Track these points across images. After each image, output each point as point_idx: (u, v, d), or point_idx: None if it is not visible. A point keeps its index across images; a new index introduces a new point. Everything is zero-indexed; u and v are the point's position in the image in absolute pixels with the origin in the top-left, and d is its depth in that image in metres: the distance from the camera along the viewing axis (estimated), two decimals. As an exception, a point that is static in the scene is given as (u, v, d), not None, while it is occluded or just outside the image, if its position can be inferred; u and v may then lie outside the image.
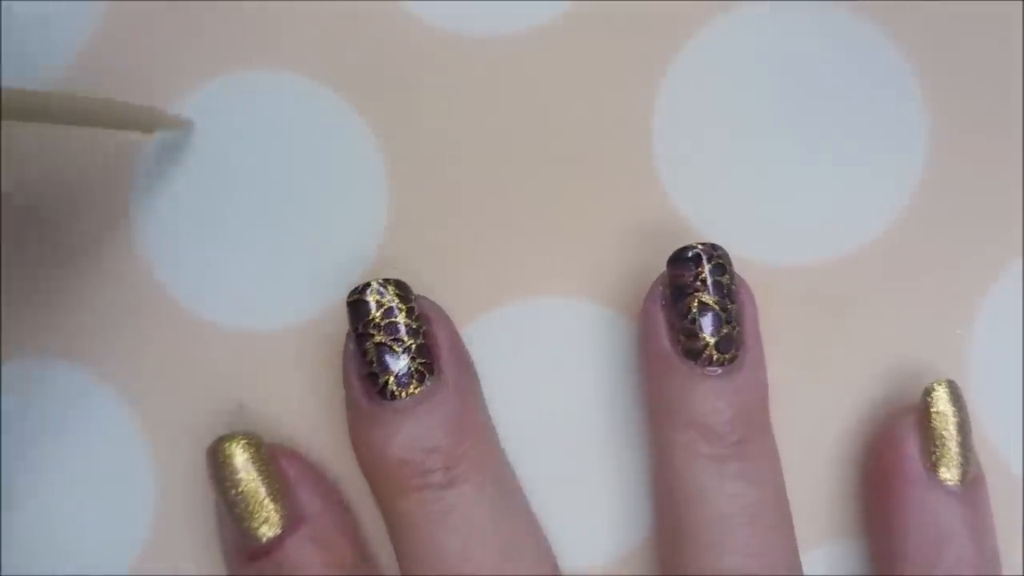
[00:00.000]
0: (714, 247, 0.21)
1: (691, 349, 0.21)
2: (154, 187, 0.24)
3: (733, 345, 0.21)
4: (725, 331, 0.21)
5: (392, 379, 0.21)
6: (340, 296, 0.24)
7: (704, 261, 0.21)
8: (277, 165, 0.24)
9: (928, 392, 0.22)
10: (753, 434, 0.21)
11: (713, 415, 0.21)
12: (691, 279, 0.21)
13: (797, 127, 0.25)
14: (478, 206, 0.24)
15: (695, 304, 0.21)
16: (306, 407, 0.24)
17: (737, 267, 0.23)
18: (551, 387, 0.24)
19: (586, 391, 0.24)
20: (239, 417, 0.24)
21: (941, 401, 0.22)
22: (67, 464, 0.24)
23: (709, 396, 0.21)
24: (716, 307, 0.21)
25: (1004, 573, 0.23)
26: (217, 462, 0.22)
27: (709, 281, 0.21)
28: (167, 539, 0.24)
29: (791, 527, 0.22)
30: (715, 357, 0.21)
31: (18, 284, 0.24)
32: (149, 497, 0.24)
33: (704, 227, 0.24)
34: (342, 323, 0.24)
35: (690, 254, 0.21)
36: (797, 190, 0.24)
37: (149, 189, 0.24)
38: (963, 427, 0.22)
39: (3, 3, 0.25)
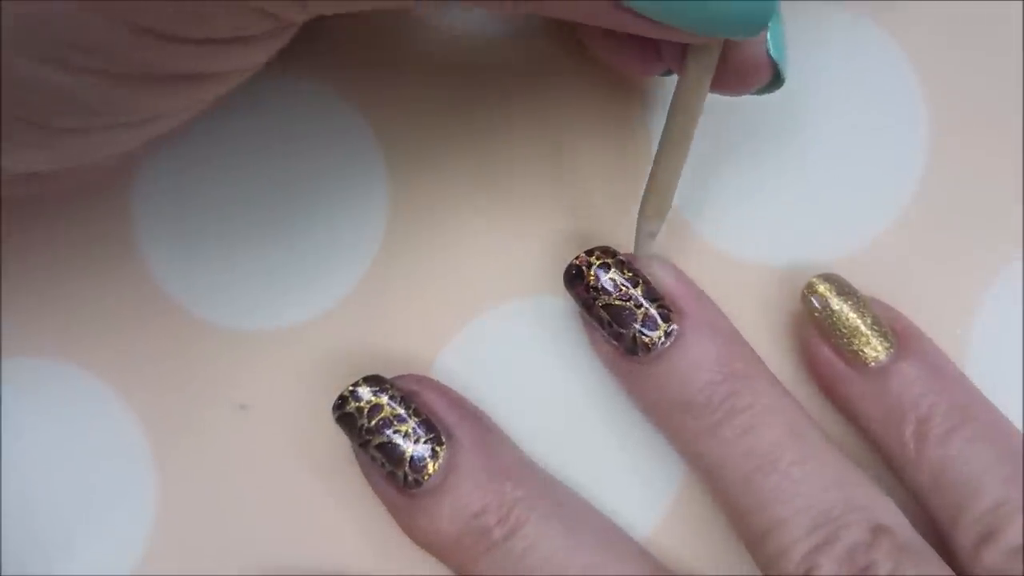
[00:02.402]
0: (590, 252, 0.22)
1: (628, 348, 0.21)
2: (154, 187, 0.24)
3: (661, 319, 0.21)
4: (641, 314, 0.21)
5: (407, 468, 0.21)
6: (340, 296, 0.24)
7: (585, 272, 0.22)
8: (277, 164, 0.24)
9: (803, 297, 0.22)
10: (739, 383, 0.21)
11: (686, 390, 0.21)
12: (584, 293, 0.22)
13: (797, 127, 0.25)
14: (478, 206, 0.24)
15: (600, 311, 0.21)
16: (306, 407, 0.24)
17: (736, 269, 0.23)
18: (550, 386, 0.24)
19: (585, 390, 0.24)
20: (239, 416, 0.24)
21: (818, 299, 0.22)
22: (67, 464, 0.24)
23: (671, 376, 0.21)
24: (618, 303, 0.21)
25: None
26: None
27: (599, 286, 0.21)
28: (167, 539, 0.24)
29: (821, 447, 0.21)
30: (649, 341, 0.21)
31: (18, 284, 0.24)
32: (149, 497, 0.24)
33: (704, 227, 0.24)
34: (341, 324, 0.24)
35: (572, 273, 0.22)
36: (797, 190, 0.24)
37: (149, 189, 0.24)
38: (853, 303, 0.22)
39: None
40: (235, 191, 0.24)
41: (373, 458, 0.21)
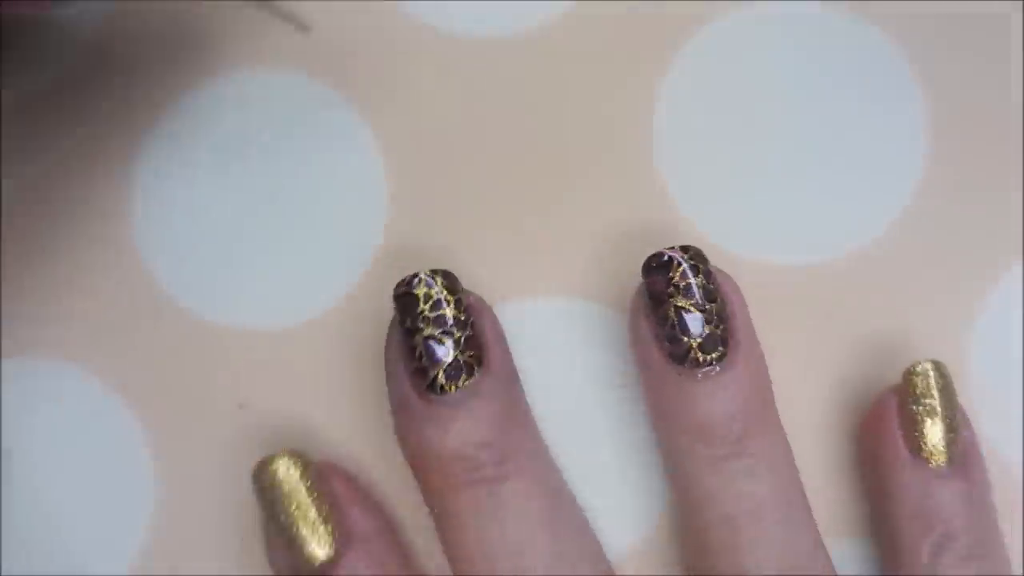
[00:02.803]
0: (685, 249, 0.21)
1: (676, 354, 0.21)
2: (154, 187, 0.24)
3: (719, 344, 0.21)
4: (707, 331, 0.21)
5: (442, 372, 0.21)
6: (340, 296, 0.24)
7: (675, 266, 0.21)
8: (277, 165, 0.24)
9: (910, 372, 0.22)
10: (755, 429, 0.21)
11: (709, 416, 0.21)
12: (664, 285, 0.21)
13: (797, 127, 0.25)
14: (477, 206, 0.24)
15: (671, 310, 0.21)
16: (306, 407, 0.24)
17: (737, 267, 0.23)
18: (550, 387, 0.24)
19: (585, 391, 0.24)
20: (239, 416, 0.24)
21: (922, 381, 0.22)
22: (67, 464, 0.24)
23: (702, 398, 0.21)
24: (693, 310, 0.21)
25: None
26: (264, 483, 0.21)
27: (682, 285, 0.21)
28: (167, 539, 0.24)
29: (806, 518, 0.22)
30: (701, 359, 0.21)
31: (18, 284, 0.24)
32: (149, 497, 0.24)
33: (704, 227, 0.24)
34: (341, 323, 0.24)
35: (660, 261, 0.21)
36: (797, 190, 0.24)
37: (149, 189, 0.24)
38: (948, 405, 0.22)
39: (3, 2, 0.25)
40: (234, 191, 0.24)
41: (413, 347, 0.21)
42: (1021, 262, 0.24)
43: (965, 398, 0.24)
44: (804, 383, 0.24)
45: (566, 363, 0.24)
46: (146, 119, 0.25)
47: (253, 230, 0.24)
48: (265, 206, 0.24)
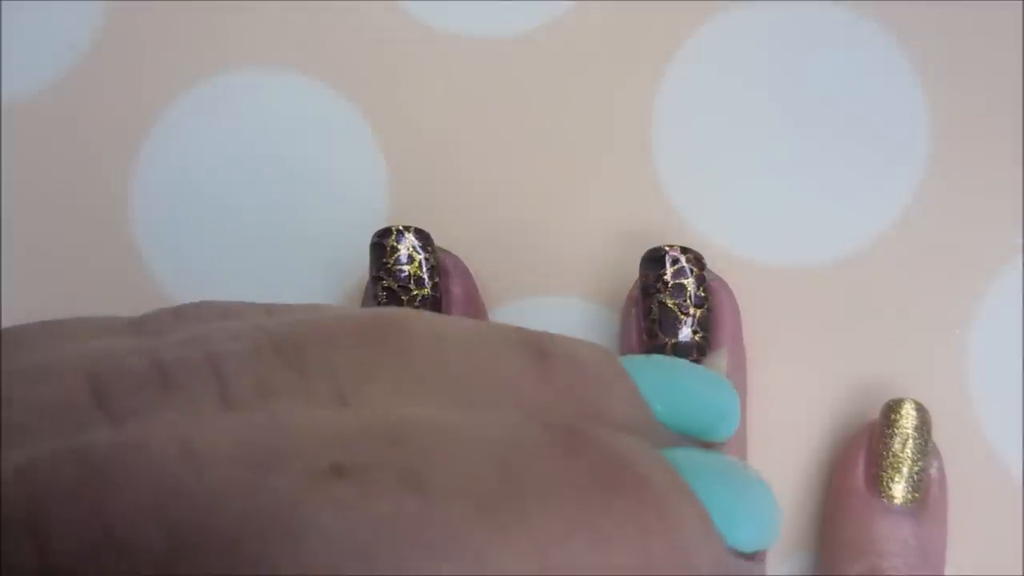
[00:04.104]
0: (685, 250, 0.21)
1: (651, 349, 0.21)
2: (154, 187, 0.24)
3: (695, 350, 0.21)
4: (686, 334, 0.21)
5: None
6: (339, 296, 0.24)
7: (667, 264, 0.21)
8: (277, 164, 0.25)
9: (887, 407, 0.22)
10: None
11: None
12: (653, 280, 0.21)
13: (797, 127, 0.25)
14: (477, 206, 0.24)
15: (656, 305, 0.21)
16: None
17: (737, 267, 0.23)
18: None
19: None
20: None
21: (898, 418, 0.22)
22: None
23: None
24: (675, 310, 0.21)
25: (1002, 574, 0.23)
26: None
27: (672, 284, 0.21)
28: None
29: None
30: None
31: (18, 284, 0.24)
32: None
33: (703, 227, 0.24)
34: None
35: (657, 255, 0.21)
36: (797, 190, 0.24)
37: (149, 189, 0.24)
38: (920, 447, 0.22)
39: (4, 2, 0.25)
40: (235, 191, 0.24)
41: (375, 296, 0.21)
42: (1021, 261, 0.24)
43: (965, 398, 0.24)
44: (800, 382, 0.24)
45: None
46: (146, 119, 0.25)
47: (253, 230, 0.24)
48: (265, 206, 0.24)
